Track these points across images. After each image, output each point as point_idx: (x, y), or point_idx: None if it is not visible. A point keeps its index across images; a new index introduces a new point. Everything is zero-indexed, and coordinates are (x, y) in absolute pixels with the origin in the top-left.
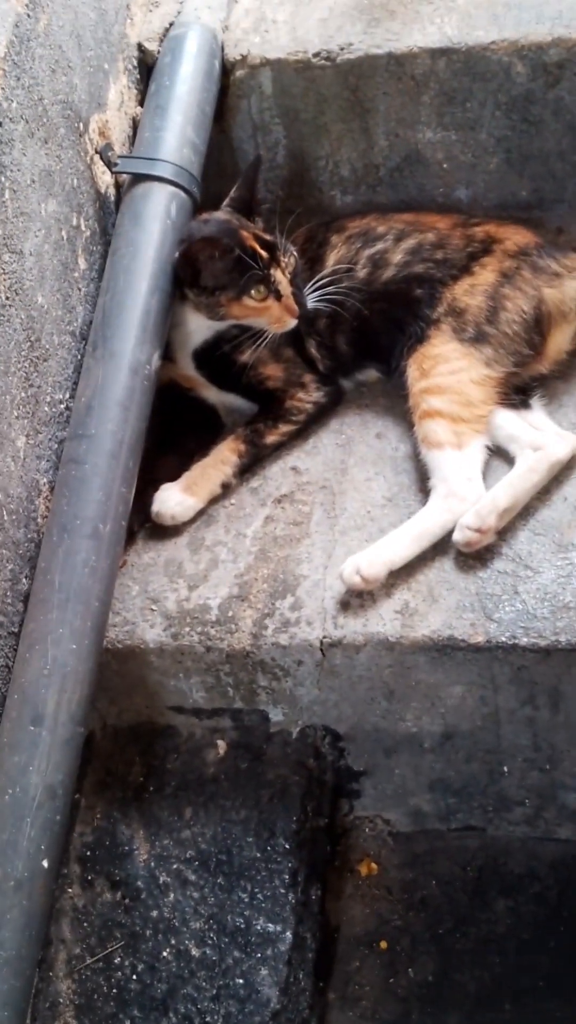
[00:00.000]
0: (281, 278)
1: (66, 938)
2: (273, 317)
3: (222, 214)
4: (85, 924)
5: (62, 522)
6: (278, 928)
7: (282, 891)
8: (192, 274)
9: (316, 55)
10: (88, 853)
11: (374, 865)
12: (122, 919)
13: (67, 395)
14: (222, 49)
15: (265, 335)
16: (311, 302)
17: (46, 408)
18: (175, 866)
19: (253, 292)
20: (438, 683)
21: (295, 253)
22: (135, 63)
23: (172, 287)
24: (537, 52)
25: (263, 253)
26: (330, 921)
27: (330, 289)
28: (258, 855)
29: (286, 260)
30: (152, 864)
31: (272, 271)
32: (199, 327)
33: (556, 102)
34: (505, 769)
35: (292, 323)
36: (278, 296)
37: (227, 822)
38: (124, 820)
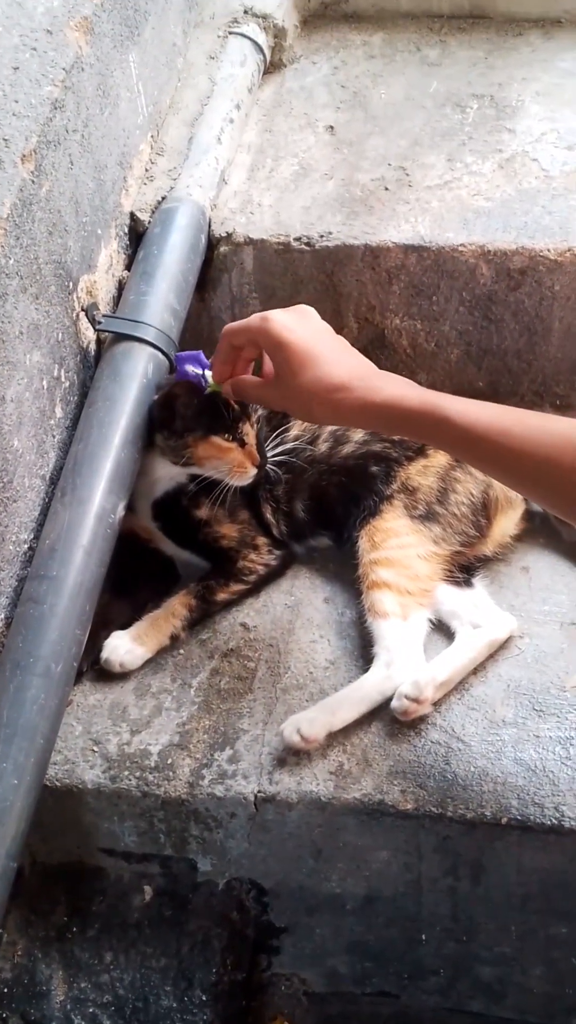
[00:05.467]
0: (248, 430)
1: None
2: (236, 461)
3: None
4: None
5: (16, 658)
6: None
7: None
8: (168, 416)
9: (297, 239)
10: (5, 990)
11: None
12: None
13: (32, 536)
14: (209, 225)
15: (223, 486)
16: (269, 466)
17: (11, 547)
18: (91, 1010)
19: (221, 434)
20: (365, 846)
21: (263, 419)
22: (126, 230)
23: (143, 438)
24: (502, 258)
25: (235, 406)
26: None
27: (289, 458)
28: (175, 1005)
29: (254, 419)
30: (68, 1006)
31: (241, 424)
32: (163, 476)
33: (516, 304)
34: (423, 937)
35: (252, 472)
36: (242, 444)
37: (147, 969)
38: (45, 959)
